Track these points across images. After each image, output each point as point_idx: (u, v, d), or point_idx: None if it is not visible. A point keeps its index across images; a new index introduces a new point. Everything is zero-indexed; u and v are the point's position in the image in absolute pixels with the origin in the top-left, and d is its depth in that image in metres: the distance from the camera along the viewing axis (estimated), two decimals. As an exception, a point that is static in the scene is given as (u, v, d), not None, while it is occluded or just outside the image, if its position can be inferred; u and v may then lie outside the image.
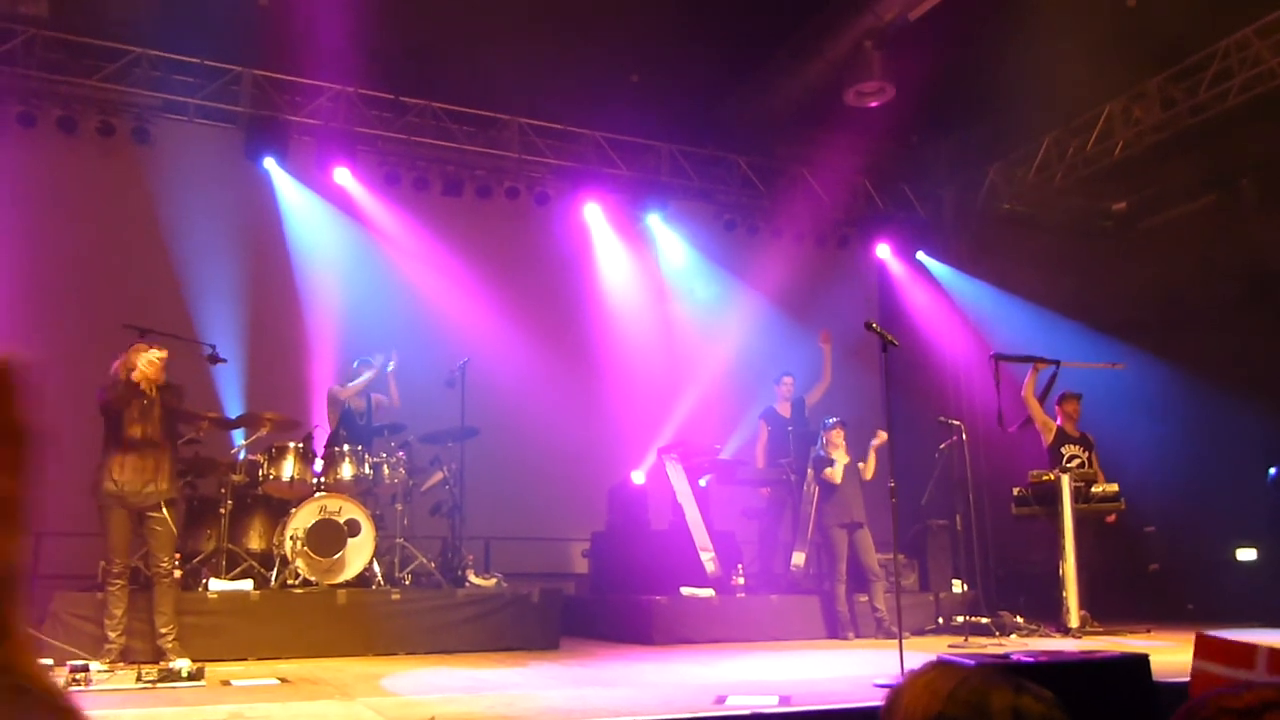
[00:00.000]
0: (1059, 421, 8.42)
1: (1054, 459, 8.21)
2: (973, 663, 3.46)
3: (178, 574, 6.22)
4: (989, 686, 0.99)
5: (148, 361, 5.93)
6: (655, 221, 10.98)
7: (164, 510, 5.90)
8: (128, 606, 5.86)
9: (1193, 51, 9.06)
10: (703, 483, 8.81)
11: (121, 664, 5.65)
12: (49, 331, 8.32)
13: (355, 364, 7.98)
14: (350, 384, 7.85)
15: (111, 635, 5.76)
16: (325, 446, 7.48)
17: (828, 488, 7.95)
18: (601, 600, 8.56)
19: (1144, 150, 9.81)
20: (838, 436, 8.07)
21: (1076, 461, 8.14)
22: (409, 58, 9.18)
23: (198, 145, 9.20)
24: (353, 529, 6.84)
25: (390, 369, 7.92)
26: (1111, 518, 8.14)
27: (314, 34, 8.35)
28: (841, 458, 7.99)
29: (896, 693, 1.05)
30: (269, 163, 9.40)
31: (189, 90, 9.14)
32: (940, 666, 1.05)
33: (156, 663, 5.59)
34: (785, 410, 9.14)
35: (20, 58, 8.54)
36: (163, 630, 5.86)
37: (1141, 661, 3.62)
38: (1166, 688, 3.87)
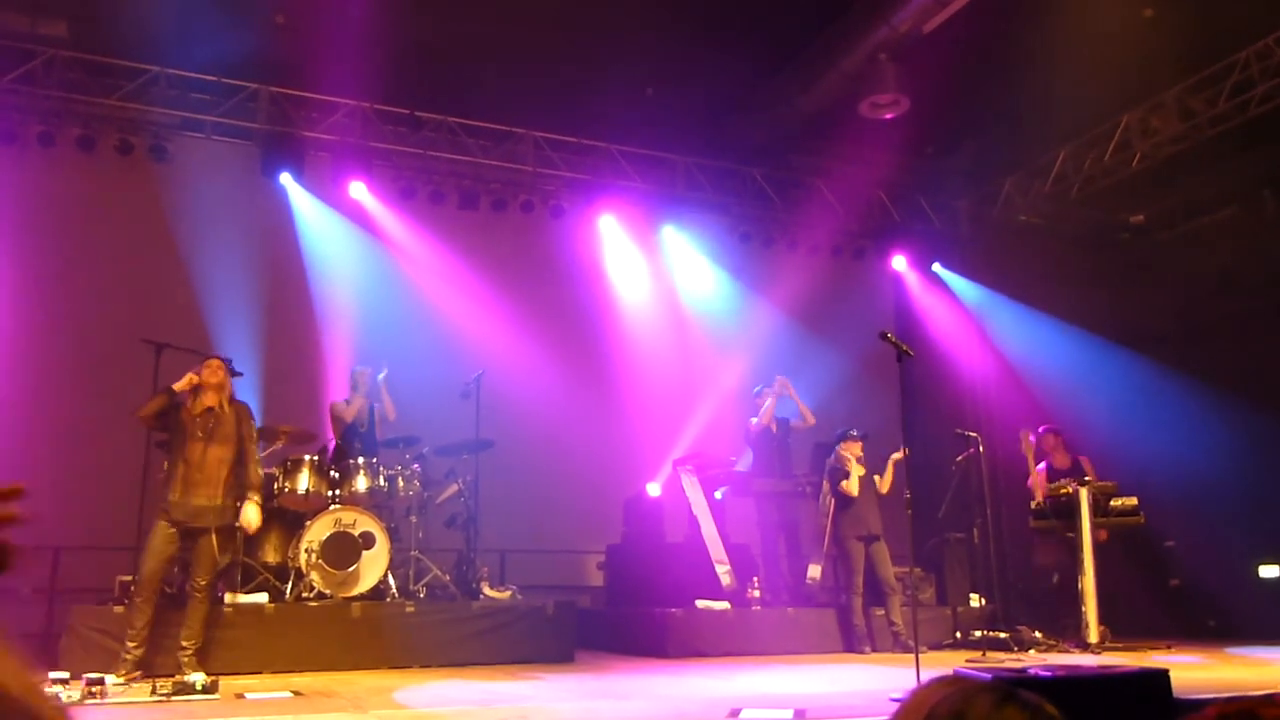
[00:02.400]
0: (1047, 461, 8.39)
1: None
2: (989, 677, 3.42)
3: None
4: (970, 697, 0.96)
5: (210, 374, 6.02)
6: (670, 234, 10.99)
7: (213, 534, 5.96)
8: (150, 619, 5.85)
9: (1212, 61, 8.98)
10: (718, 495, 8.78)
11: (138, 675, 5.66)
12: (69, 347, 8.41)
13: (355, 369, 7.98)
14: (347, 405, 7.84)
15: (130, 646, 5.75)
16: (332, 460, 7.47)
17: (844, 500, 7.90)
18: (616, 613, 8.53)
19: (1162, 162, 9.74)
20: (855, 448, 8.02)
21: (1064, 493, 8.06)
22: (424, 73, 9.22)
23: (215, 162, 9.28)
24: (367, 542, 6.84)
25: (381, 378, 7.84)
26: (1103, 534, 8.02)
27: (329, 50, 8.42)
28: (858, 470, 7.94)
29: (900, 708, 1.04)
30: (285, 178, 9.47)
31: (206, 108, 9.22)
32: (937, 682, 1.03)
33: (172, 676, 5.59)
34: (771, 423, 9.02)
35: (40, 78, 8.64)
36: (185, 644, 5.89)
37: (1161, 677, 3.58)
38: (1187, 704, 3.81)
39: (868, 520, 7.89)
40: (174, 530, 5.86)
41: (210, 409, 5.99)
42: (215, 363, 6.12)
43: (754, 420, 8.87)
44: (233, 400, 6.16)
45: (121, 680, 5.50)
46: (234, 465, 6.07)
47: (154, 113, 9.04)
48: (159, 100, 9.03)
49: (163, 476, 6.03)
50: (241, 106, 9.31)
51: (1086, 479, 8.01)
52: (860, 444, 8.04)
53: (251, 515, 6.06)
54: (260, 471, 6.32)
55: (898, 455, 8.00)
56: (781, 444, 8.89)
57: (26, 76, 8.58)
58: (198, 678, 5.34)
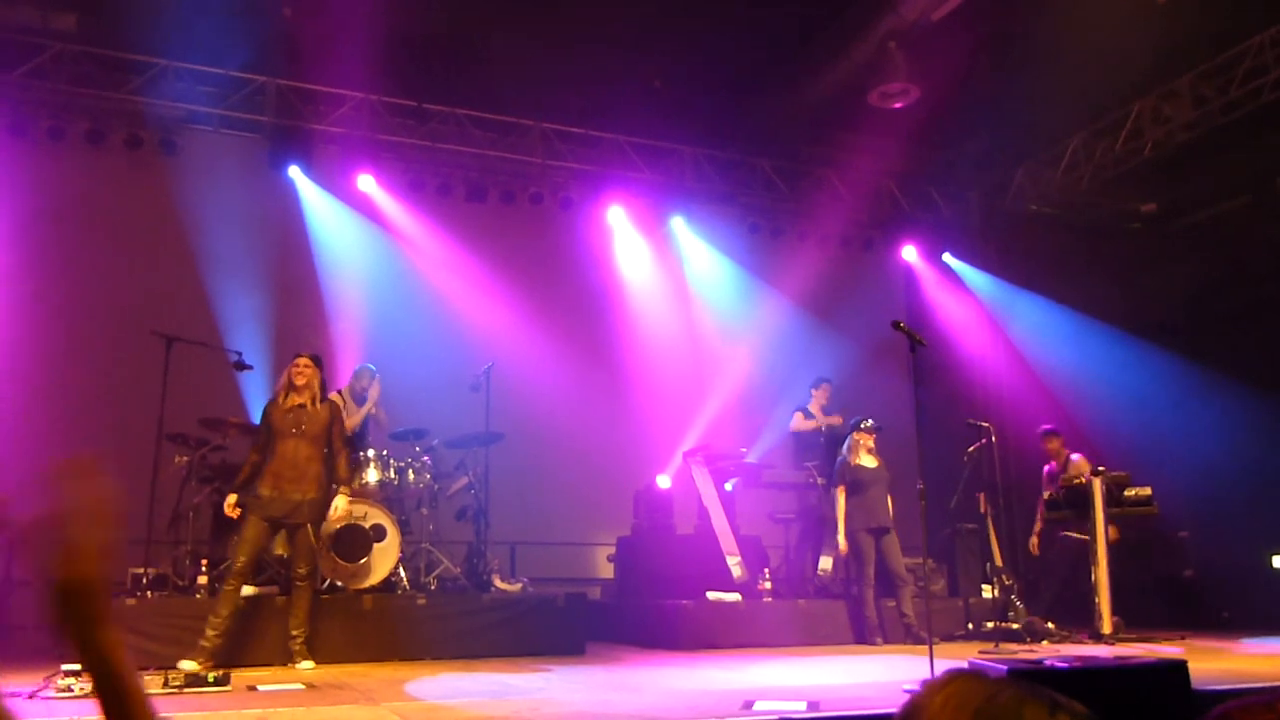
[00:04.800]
0: (1049, 468, 8.40)
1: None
2: (1004, 668, 3.38)
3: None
4: (1022, 702, 0.91)
5: (298, 373, 6.12)
6: (679, 225, 10.96)
7: (309, 527, 6.11)
8: (235, 610, 5.92)
9: (1225, 49, 8.90)
10: (729, 486, 8.76)
11: (211, 665, 5.67)
12: (78, 340, 8.41)
13: (361, 368, 7.96)
14: (351, 418, 7.78)
15: (210, 634, 5.80)
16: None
17: (855, 491, 7.86)
18: (627, 605, 8.52)
19: (1174, 150, 9.66)
20: (865, 438, 7.98)
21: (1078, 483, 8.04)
22: (431, 64, 9.20)
23: (223, 155, 9.27)
24: (378, 534, 6.83)
25: (373, 391, 7.80)
26: (1113, 532, 7.94)
27: (336, 43, 8.41)
28: (869, 460, 7.90)
29: (915, 704, 0.97)
30: (293, 171, 9.48)
31: (214, 101, 9.22)
32: (965, 677, 0.97)
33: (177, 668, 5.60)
34: (818, 416, 9.03)
35: (49, 72, 8.64)
36: (294, 633, 6.05)
37: (1179, 668, 3.55)
38: (1204, 695, 3.78)
39: (878, 512, 7.85)
40: (266, 524, 6.01)
41: (301, 406, 6.11)
42: (304, 361, 6.21)
43: (808, 421, 8.87)
44: (323, 399, 6.25)
45: (198, 668, 5.56)
46: (324, 461, 6.21)
47: (162, 106, 9.03)
48: (167, 94, 9.03)
49: (253, 466, 6.10)
50: (249, 100, 9.30)
51: (1100, 469, 7.96)
52: (873, 435, 8.00)
53: (341, 504, 6.23)
54: (349, 468, 6.50)
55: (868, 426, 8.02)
56: (830, 440, 8.90)
57: (36, 70, 8.59)
58: (307, 665, 5.84)
